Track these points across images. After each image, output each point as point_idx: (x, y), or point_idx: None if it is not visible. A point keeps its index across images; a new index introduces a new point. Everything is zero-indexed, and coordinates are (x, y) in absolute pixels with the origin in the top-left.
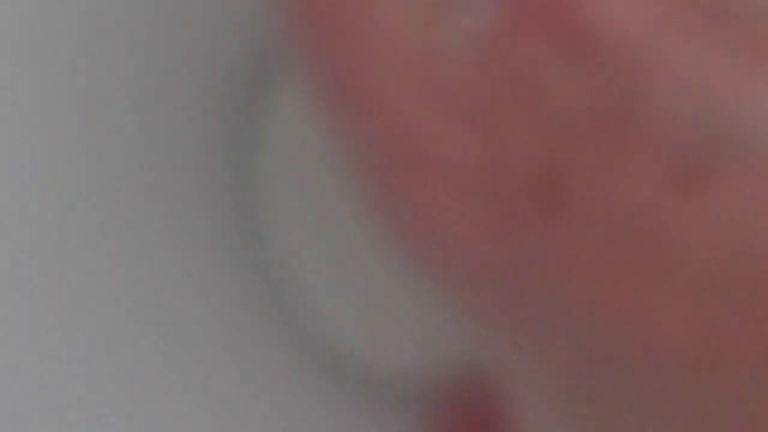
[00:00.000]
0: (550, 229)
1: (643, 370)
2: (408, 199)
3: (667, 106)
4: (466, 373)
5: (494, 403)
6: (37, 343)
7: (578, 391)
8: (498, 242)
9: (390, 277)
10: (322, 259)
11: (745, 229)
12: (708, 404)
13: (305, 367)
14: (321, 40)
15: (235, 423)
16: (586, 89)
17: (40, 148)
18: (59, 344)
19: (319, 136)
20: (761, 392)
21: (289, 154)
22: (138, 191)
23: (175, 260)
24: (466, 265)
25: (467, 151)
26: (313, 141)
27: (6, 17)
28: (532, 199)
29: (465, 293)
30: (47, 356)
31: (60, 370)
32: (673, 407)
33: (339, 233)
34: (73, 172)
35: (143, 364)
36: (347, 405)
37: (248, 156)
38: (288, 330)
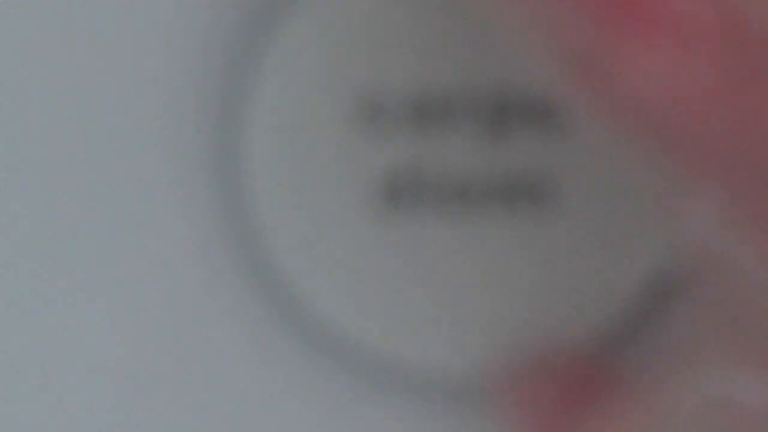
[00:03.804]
0: None
1: None
2: (627, 51)
3: None
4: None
5: (586, 368)
6: (34, 344)
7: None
8: (718, 97)
9: (408, 275)
10: (328, 253)
11: None
12: None
13: (324, 368)
14: None
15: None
16: None
17: (20, 139)
18: (55, 344)
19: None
20: None
21: (281, 148)
22: (127, 184)
23: (170, 254)
24: (691, 122)
25: (706, 6)
26: (304, 130)
27: None
28: (760, 58)
29: (679, 155)
30: (45, 357)
31: (58, 369)
32: None
33: (340, 224)
34: (56, 158)
35: (137, 362)
36: (368, 404)
37: (240, 152)
38: (302, 329)
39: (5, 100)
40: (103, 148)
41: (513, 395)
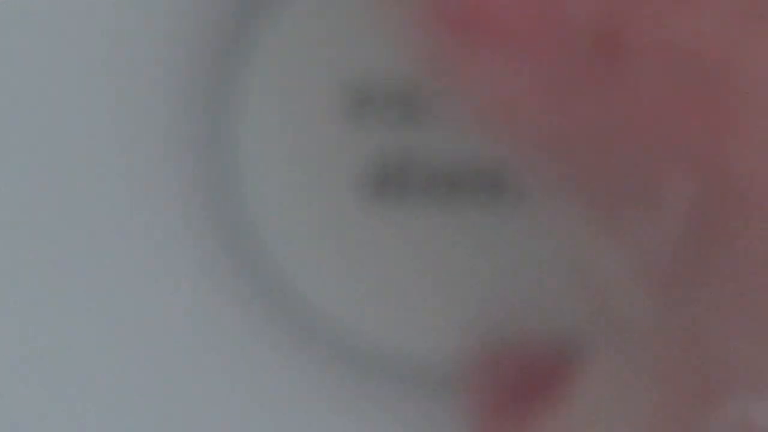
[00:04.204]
0: (613, 80)
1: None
2: (470, 55)
3: None
4: (493, 338)
5: (543, 357)
6: (31, 345)
7: (666, 270)
8: (560, 97)
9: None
10: (317, 241)
11: None
12: None
13: (315, 363)
14: None
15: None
16: None
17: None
18: (48, 345)
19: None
20: None
21: (270, 145)
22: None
23: (165, 253)
24: (529, 122)
25: (527, 6)
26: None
27: None
28: (596, 53)
29: (529, 153)
30: (41, 357)
31: (52, 370)
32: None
33: (332, 217)
34: (50, 156)
35: (132, 362)
36: (365, 398)
37: (230, 152)
38: (293, 325)
39: None
40: (93, 140)
41: (468, 386)
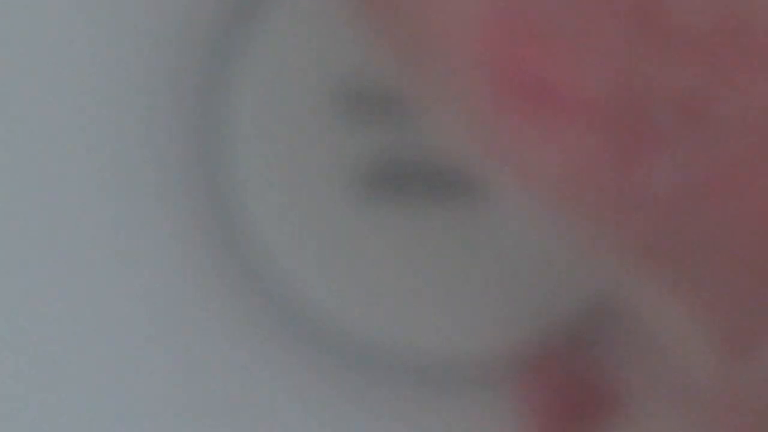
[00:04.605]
0: (698, 147)
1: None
2: (534, 129)
3: None
4: (540, 350)
5: (589, 374)
6: (27, 343)
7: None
8: (621, 172)
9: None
10: (309, 239)
11: None
12: None
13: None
14: None
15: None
16: (709, 7)
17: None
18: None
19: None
20: None
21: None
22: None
23: (162, 250)
24: (588, 194)
25: (594, 82)
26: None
27: None
28: (657, 129)
29: (584, 226)
30: (37, 356)
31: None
32: None
33: (327, 215)
34: (46, 158)
35: (129, 363)
36: (371, 397)
37: (223, 153)
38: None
39: None
40: (84, 138)
41: (521, 393)
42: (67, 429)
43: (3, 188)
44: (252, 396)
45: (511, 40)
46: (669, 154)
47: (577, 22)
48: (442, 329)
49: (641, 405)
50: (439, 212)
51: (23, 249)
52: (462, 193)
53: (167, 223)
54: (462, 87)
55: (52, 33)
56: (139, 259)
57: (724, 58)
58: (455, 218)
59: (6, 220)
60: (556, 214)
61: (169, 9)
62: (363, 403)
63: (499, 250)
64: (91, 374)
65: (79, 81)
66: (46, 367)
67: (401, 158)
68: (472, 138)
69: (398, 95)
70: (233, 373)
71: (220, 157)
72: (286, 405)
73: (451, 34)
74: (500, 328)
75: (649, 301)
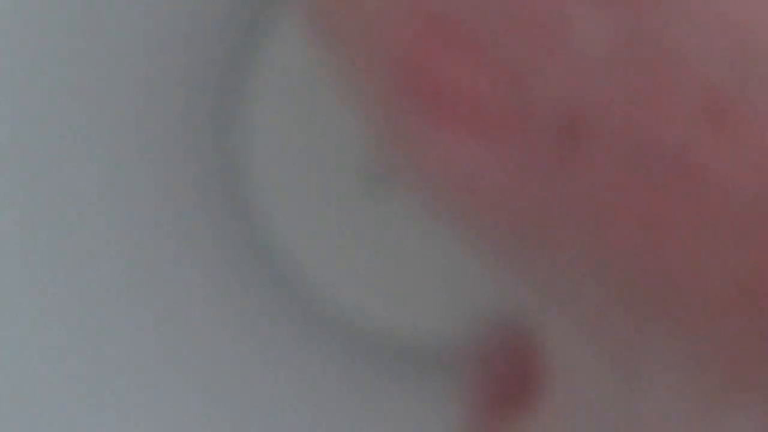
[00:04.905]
0: (574, 171)
1: (672, 310)
2: (430, 138)
3: (697, 43)
4: (495, 330)
5: (531, 356)
6: (36, 338)
7: (607, 335)
8: (521, 183)
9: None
10: (320, 228)
11: None
12: (731, 345)
13: (318, 343)
14: None
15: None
16: (614, 29)
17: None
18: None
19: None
20: None
21: (278, 141)
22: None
23: (171, 243)
24: (489, 205)
25: (491, 92)
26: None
27: None
28: (557, 141)
29: (489, 236)
30: (46, 351)
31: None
32: (697, 346)
33: (333, 202)
34: (53, 156)
35: (137, 356)
36: (371, 378)
37: (236, 147)
38: (292, 305)
39: None
40: (100, 134)
41: (469, 375)
42: (67, 429)
43: (8, 186)
44: (263, 383)
45: (420, 44)
46: (562, 170)
47: (484, 30)
48: (452, 319)
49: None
50: None
51: (28, 248)
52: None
53: (178, 216)
54: (375, 92)
55: (68, 35)
56: (151, 253)
57: (626, 75)
58: None
59: (5, 219)
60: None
61: (181, 10)
62: (372, 391)
63: None
64: (99, 371)
65: (95, 83)
66: (47, 366)
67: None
68: (389, 143)
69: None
70: (242, 363)
71: (234, 148)
72: (291, 397)
73: (367, 39)
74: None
75: (548, 325)
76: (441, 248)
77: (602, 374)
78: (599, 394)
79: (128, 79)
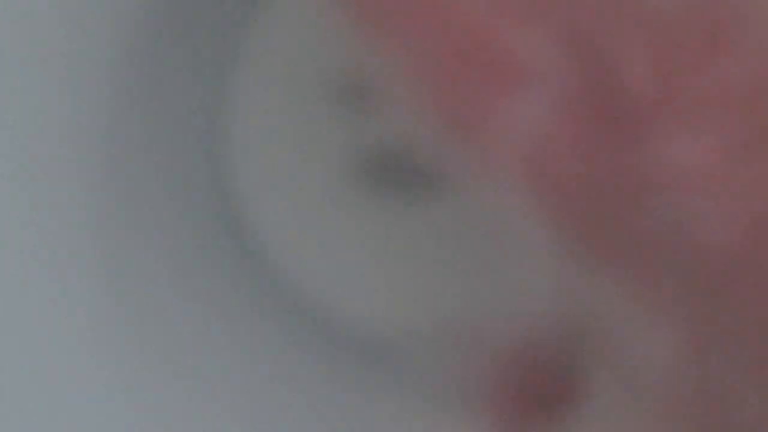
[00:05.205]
0: (642, 150)
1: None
2: (497, 111)
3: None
4: (523, 334)
5: (555, 367)
6: (22, 341)
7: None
8: (588, 158)
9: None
10: (308, 230)
11: None
12: None
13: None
14: None
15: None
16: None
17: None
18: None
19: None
20: None
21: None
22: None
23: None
24: (554, 180)
25: (567, 67)
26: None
27: None
28: (626, 118)
29: (549, 215)
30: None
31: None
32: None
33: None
34: (47, 156)
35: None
36: (351, 372)
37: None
38: (274, 302)
39: None
40: (83, 137)
41: (483, 389)
42: (66, 429)
43: (4, 187)
44: (251, 382)
45: (471, 9)
46: (632, 142)
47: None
48: (441, 318)
49: (601, 397)
50: (437, 202)
51: (20, 250)
52: (458, 187)
53: (165, 214)
54: (422, 63)
55: (53, 34)
56: (141, 255)
57: (692, 42)
58: (452, 210)
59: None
60: (516, 200)
61: (169, 7)
62: (360, 390)
63: (495, 238)
64: (88, 373)
65: (76, 80)
66: (40, 368)
67: (398, 150)
68: (434, 122)
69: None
70: (231, 362)
71: (222, 150)
72: (277, 393)
73: (413, 11)
74: (496, 319)
75: (610, 299)
76: (426, 247)
77: (668, 352)
78: (663, 373)
79: (109, 81)
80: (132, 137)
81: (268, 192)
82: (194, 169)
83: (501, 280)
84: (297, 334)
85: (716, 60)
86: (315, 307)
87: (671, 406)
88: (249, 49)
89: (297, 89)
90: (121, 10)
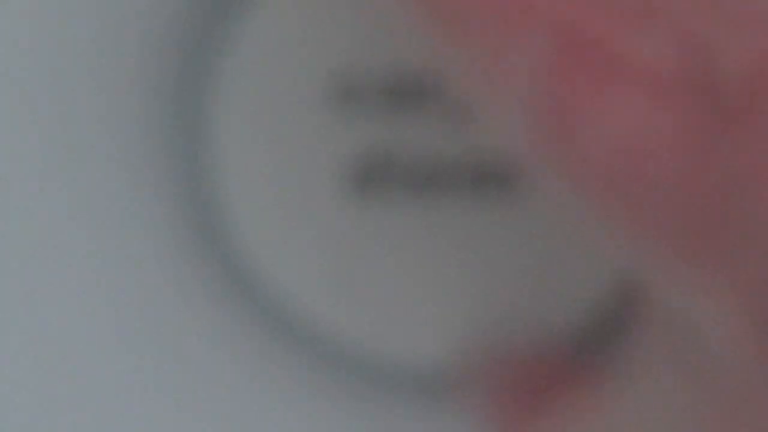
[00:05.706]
0: (739, 144)
1: None
2: (600, 105)
3: None
4: (519, 335)
5: (558, 360)
6: (17, 343)
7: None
8: (687, 151)
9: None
10: (298, 236)
11: None
12: None
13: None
14: None
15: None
16: None
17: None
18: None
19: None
20: None
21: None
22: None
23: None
24: (652, 173)
25: (667, 57)
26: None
27: None
28: (726, 109)
29: (643, 209)
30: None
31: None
32: None
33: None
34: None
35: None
36: (354, 402)
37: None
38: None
39: None
40: (71, 137)
41: (478, 388)
42: (64, 428)
43: None
44: (238, 396)
45: (573, 8)
46: (733, 136)
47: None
48: (432, 329)
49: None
50: (431, 209)
51: (10, 253)
52: (451, 191)
53: (152, 217)
54: (519, 63)
55: (41, 33)
56: (127, 261)
57: None
58: (444, 216)
59: None
60: (596, 200)
61: (156, 5)
62: (350, 404)
63: (492, 247)
64: (80, 380)
65: (65, 79)
66: (35, 372)
67: (392, 154)
68: (524, 125)
69: (392, 88)
70: (217, 375)
71: (210, 153)
72: (273, 406)
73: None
74: (494, 329)
75: (685, 285)
76: (422, 256)
77: (744, 337)
78: (739, 358)
79: (95, 81)
80: (117, 138)
81: (258, 198)
82: (181, 174)
83: (520, 288)
84: (285, 342)
85: None
86: (304, 317)
87: (745, 395)
88: (237, 52)
89: (288, 92)
90: (108, 10)
